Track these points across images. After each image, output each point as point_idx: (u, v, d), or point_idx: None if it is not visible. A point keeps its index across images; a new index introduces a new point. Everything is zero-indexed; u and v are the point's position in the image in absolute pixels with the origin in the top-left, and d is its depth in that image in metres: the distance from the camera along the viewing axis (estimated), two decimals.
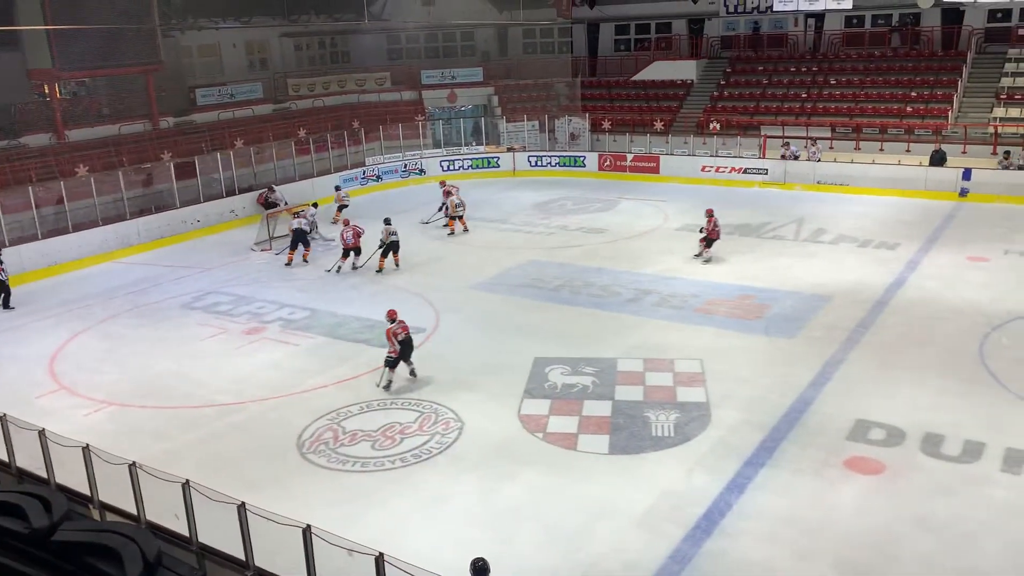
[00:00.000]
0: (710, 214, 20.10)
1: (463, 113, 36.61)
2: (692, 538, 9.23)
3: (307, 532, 7.03)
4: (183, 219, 24.60)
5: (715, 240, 19.93)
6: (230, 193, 26.30)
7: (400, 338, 13.28)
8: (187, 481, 7.89)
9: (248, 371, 14.46)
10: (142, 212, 24.21)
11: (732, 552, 8.99)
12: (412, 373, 13.60)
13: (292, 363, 14.72)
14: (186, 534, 8.01)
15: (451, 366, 14.24)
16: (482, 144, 33.72)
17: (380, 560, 6.62)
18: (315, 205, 23.83)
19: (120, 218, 23.44)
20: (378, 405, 12.82)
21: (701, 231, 20.04)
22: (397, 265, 20.26)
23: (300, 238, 21.22)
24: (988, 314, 15.49)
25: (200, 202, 25.42)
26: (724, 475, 10.46)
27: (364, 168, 30.61)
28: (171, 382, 14.14)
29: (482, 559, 7.00)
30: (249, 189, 26.71)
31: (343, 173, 29.64)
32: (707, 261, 19.77)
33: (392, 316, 13.48)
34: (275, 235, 22.96)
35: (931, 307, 16.01)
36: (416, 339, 15.39)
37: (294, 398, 13.28)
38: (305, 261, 21.31)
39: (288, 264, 20.98)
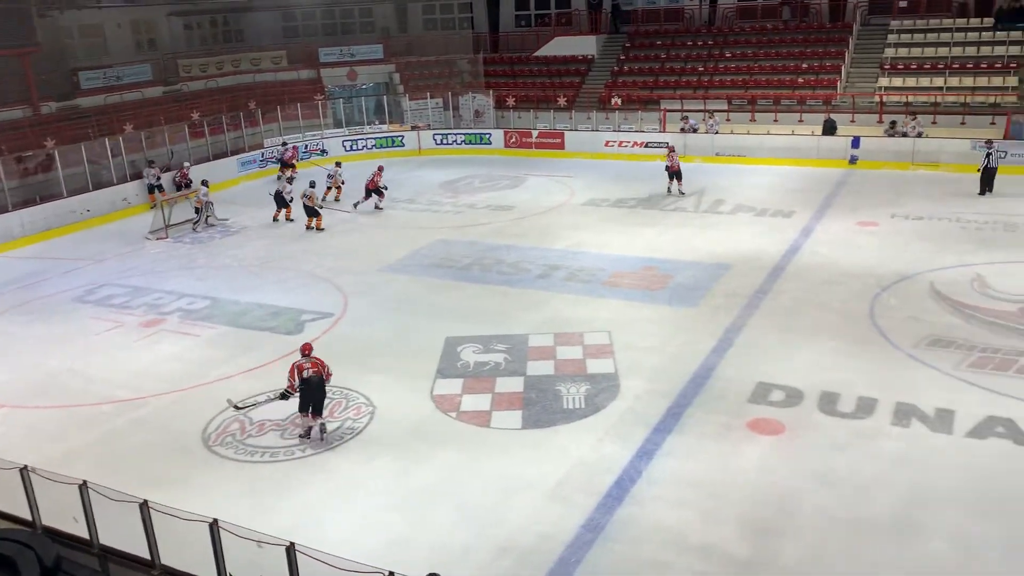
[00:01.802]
0: (670, 149, 24.08)
1: (364, 91, 36.01)
2: (604, 506, 9.42)
3: (214, 526, 6.87)
4: (71, 209, 23.43)
5: (676, 173, 23.46)
6: (121, 180, 25.20)
7: (305, 375, 10.99)
8: (84, 482, 7.59)
9: (147, 365, 13.95)
10: (25, 203, 22.96)
11: (643, 518, 9.22)
12: (321, 430, 11.16)
13: (194, 354, 14.27)
14: (86, 537, 7.71)
15: (361, 350, 14.08)
16: (385, 123, 33.28)
17: (291, 550, 6.52)
18: (204, 183, 23.15)
19: (1, 210, 22.17)
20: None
21: (667, 168, 23.60)
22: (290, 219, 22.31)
23: (280, 200, 22.64)
24: (877, 276, 16.26)
25: (89, 190, 24.26)
26: (633, 443, 10.70)
27: (263, 150, 29.77)
28: (66, 380, 13.52)
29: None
30: (138, 176, 25.62)
31: (240, 156, 28.80)
32: (676, 193, 23.54)
33: (305, 350, 11.24)
34: (171, 222, 22.16)
35: (825, 271, 16.70)
36: (324, 324, 15.22)
37: (197, 390, 12.89)
38: (289, 220, 22.65)
39: (275, 220, 22.69)
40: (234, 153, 28.91)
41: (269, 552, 6.76)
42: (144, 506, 7.19)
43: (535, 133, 31.33)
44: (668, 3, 37.06)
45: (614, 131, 30.38)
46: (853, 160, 26.28)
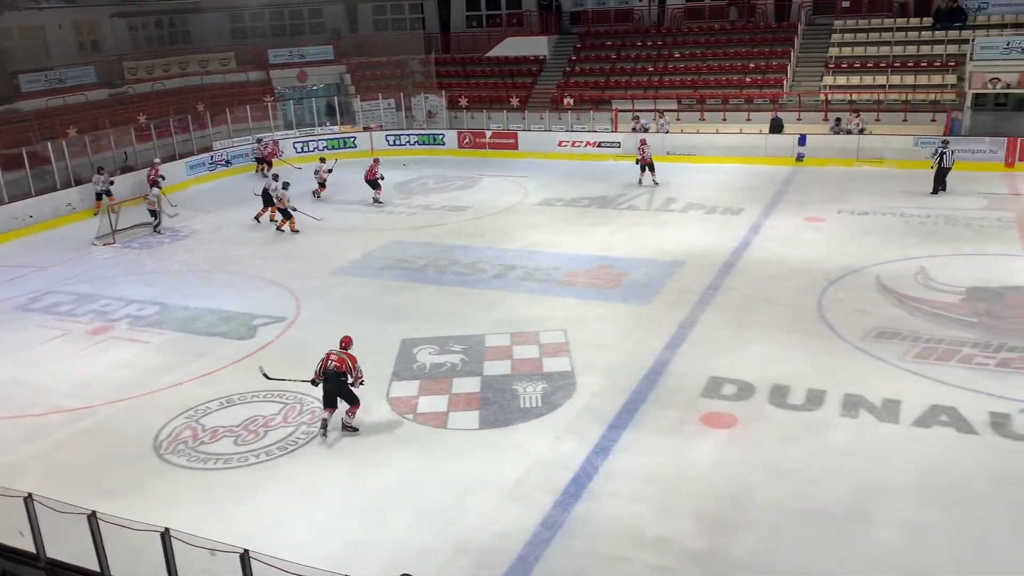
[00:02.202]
0: (642, 141, 25.22)
1: (315, 92, 35.71)
2: (562, 504, 9.47)
3: (166, 535, 6.75)
4: (12, 215, 22.79)
5: (648, 165, 24.64)
6: (65, 185, 24.57)
7: (327, 367, 11.11)
8: (30, 495, 7.39)
9: (95, 373, 13.65)
10: None
11: (600, 514, 9.30)
12: (322, 426, 11.17)
13: (143, 362, 14.00)
14: (33, 551, 7.52)
15: (316, 354, 13.82)
16: (337, 124, 33.00)
17: (245, 557, 6.44)
18: (156, 184, 22.75)
19: None
20: (239, 399, 12.40)
21: (637, 161, 24.84)
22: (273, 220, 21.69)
23: (267, 198, 22.30)
24: (825, 270, 16.60)
25: (32, 196, 23.61)
26: (590, 440, 10.78)
27: (212, 153, 29.32)
28: (10, 390, 13.16)
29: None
30: (85, 181, 25.06)
31: (189, 159, 28.32)
32: (646, 183, 24.70)
33: (342, 343, 11.43)
34: (118, 227, 21.70)
35: (774, 267, 17.00)
36: (276, 328, 15.06)
37: (147, 398, 12.65)
38: (273, 220, 22.27)
39: (257, 220, 22.35)
40: (183, 156, 28.40)
41: (223, 560, 6.67)
42: (92, 517, 7.04)
43: (488, 133, 31.34)
44: (618, 4, 37.36)
45: (567, 131, 30.54)
46: (800, 157, 26.79)
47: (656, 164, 25.72)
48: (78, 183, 24.82)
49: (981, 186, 22.64)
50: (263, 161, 28.16)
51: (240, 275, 18.35)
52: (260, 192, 22.54)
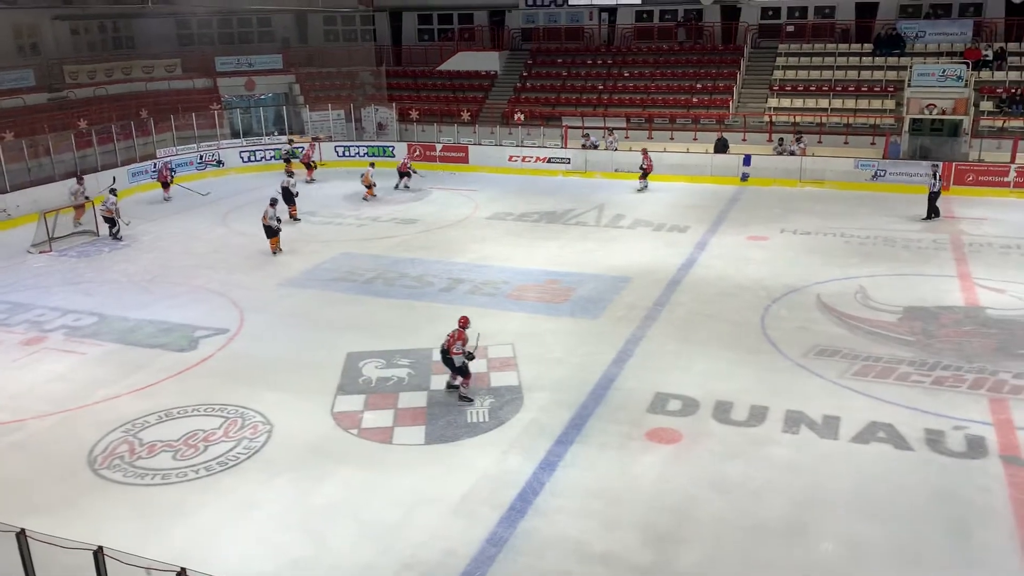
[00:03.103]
0: (644, 152, 26.48)
1: (263, 102, 35.31)
2: (507, 520, 9.44)
3: (99, 553, 6.54)
4: None
5: (649, 172, 26.13)
6: (0, 191, 23.81)
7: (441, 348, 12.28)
8: None
9: (28, 385, 13.19)
10: None
11: (545, 529, 9.28)
12: (450, 387, 12.57)
13: (79, 374, 13.58)
14: None
15: (258, 367, 13.71)
16: (285, 134, 32.63)
17: (182, 575, 6.27)
18: (113, 192, 22.20)
19: None
20: (178, 413, 12.10)
21: (640, 168, 26.26)
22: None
23: (287, 197, 22.91)
24: (768, 288, 16.92)
25: None
26: (536, 455, 10.78)
27: (155, 161, 28.68)
28: None
29: None
30: (23, 185, 24.31)
31: (131, 166, 27.73)
32: (642, 189, 26.19)
33: (460, 323, 12.45)
34: (55, 235, 21.10)
35: (718, 284, 17.26)
36: (219, 340, 14.77)
37: (83, 411, 12.26)
38: (294, 219, 23.02)
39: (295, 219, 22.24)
40: (125, 164, 27.76)
41: None
42: (21, 535, 6.79)
43: (439, 147, 31.32)
44: (568, 22, 37.75)
45: (517, 146, 30.69)
46: (744, 177, 27.32)
47: (604, 181, 26.13)
48: (13, 189, 24.07)
49: (917, 208, 23.34)
50: (289, 160, 28.81)
51: (182, 286, 17.96)
52: (283, 190, 23.31)
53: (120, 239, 21.65)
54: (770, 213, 23.26)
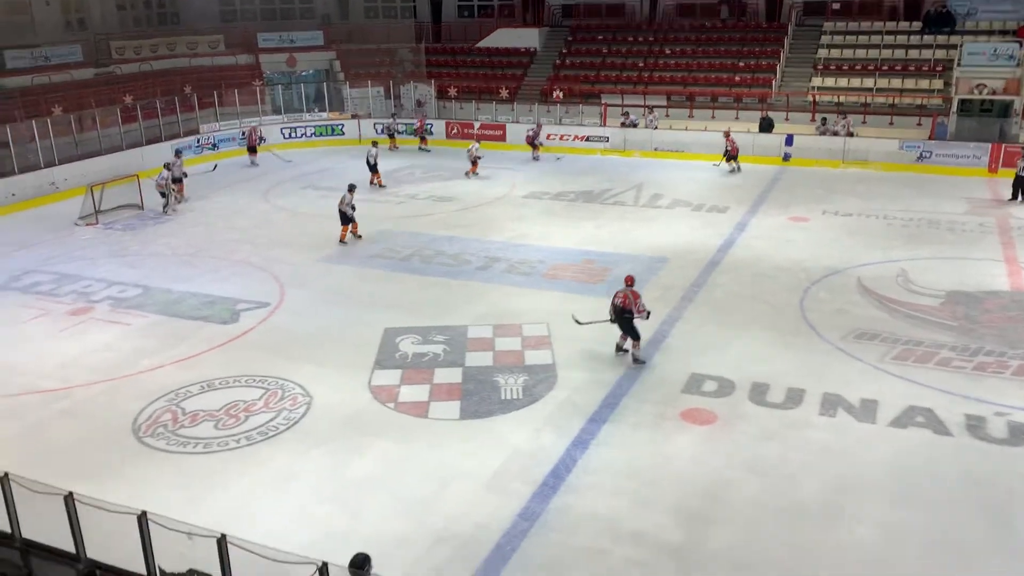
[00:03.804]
0: (727, 134, 25.64)
1: (304, 78, 35.51)
2: (540, 495, 9.52)
3: (143, 518, 6.72)
4: None
5: (736, 155, 25.33)
6: (49, 164, 24.36)
7: (615, 302, 12.58)
8: (6, 474, 7.34)
9: (75, 354, 13.56)
10: None
11: (577, 506, 9.34)
12: (634, 358, 12.73)
13: (124, 344, 13.92)
14: (8, 530, 7.47)
15: (298, 340, 13.92)
16: (325, 111, 32.84)
17: (222, 542, 6.43)
18: (167, 166, 22.52)
19: None
20: (220, 384, 12.36)
21: (725, 152, 25.54)
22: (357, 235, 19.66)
23: (372, 167, 24.15)
24: (808, 270, 16.71)
25: (15, 174, 23.39)
26: (570, 433, 10.82)
27: (199, 136, 29.12)
28: None
29: (361, 555, 6.58)
30: (71, 159, 24.82)
31: (176, 141, 28.08)
32: (733, 171, 25.44)
33: (627, 282, 12.78)
34: (101, 208, 21.53)
35: (758, 266, 17.09)
36: (260, 314, 15.01)
37: (128, 380, 12.58)
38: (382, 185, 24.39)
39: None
40: (169, 139, 28.19)
41: (200, 544, 6.65)
42: (69, 498, 7.00)
43: (477, 124, 31.29)
44: None
45: (556, 124, 30.52)
46: (787, 157, 26.92)
47: (643, 160, 25.83)
48: (62, 162, 24.60)
49: (964, 191, 22.84)
50: (393, 136, 30.27)
51: (224, 260, 18.26)
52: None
53: (167, 213, 21.97)
54: (812, 194, 22.92)
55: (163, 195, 22.09)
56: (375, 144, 25.88)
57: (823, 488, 9.60)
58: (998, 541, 8.70)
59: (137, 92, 30.30)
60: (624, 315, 12.51)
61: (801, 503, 9.34)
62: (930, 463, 10.05)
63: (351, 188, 19.49)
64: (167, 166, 22.51)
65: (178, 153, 24.11)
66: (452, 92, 33.54)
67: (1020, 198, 21.64)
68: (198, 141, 28.92)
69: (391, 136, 30.23)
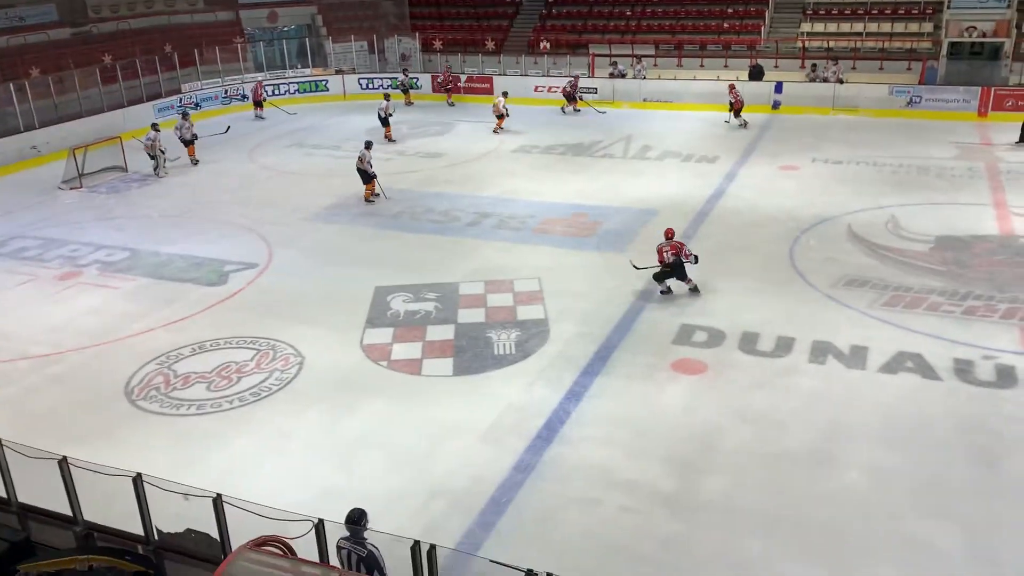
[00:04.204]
0: (731, 88, 24.53)
1: (286, 34, 34.90)
2: (534, 447, 9.60)
3: (138, 480, 6.76)
4: None
5: (740, 108, 24.30)
6: (29, 128, 23.97)
7: (665, 258, 13.13)
8: None
9: (64, 319, 13.50)
10: None
11: (571, 457, 9.43)
12: (692, 290, 13.36)
13: (113, 307, 13.86)
14: (3, 495, 7.51)
15: (288, 301, 13.88)
16: (308, 67, 32.34)
17: (218, 501, 6.47)
18: (154, 127, 22.16)
19: None
20: (211, 346, 12.34)
21: (730, 107, 24.41)
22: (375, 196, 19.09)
23: (383, 121, 23.69)
24: (798, 219, 16.70)
25: None
26: (563, 386, 10.88)
27: (181, 96, 28.66)
28: None
29: (357, 510, 6.59)
30: (51, 122, 24.43)
31: (157, 102, 27.68)
32: (742, 125, 24.30)
33: (668, 234, 13.32)
34: (85, 171, 21.27)
35: (747, 215, 17.06)
36: (248, 275, 14.95)
37: (118, 344, 12.55)
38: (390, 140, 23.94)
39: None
40: (151, 99, 27.75)
41: (196, 505, 6.70)
42: (63, 462, 7.02)
43: (463, 78, 30.89)
44: None
45: (543, 76, 30.16)
46: (776, 105, 26.72)
47: (632, 111, 25.61)
48: (43, 125, 24.22)
49: (953, 136, 22.76)
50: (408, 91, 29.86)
51: (211, 221, 18.11)
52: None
53: (159, 176, 21.67)
54: (801, 142, 22.80)
55: (152, 157, 21.76)
56: (387, 97, 25.46)
57: (812, 434, 9.70)
58: (984, 482, 8.83)
59: (116, 52, 29.72)
60: (680, 262, 13.09)
61: (790, 449, 9.45)
62: (919, 408, 10.16)
63: (368, 145, 19.19)
64: (154, 127, 22.18)
65: (185, 115, 23.29)
66: (437, 45, 33.06)
67: None
68: (180, 101, 28.46)
69: (405, 91, 29.60)
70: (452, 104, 29.72)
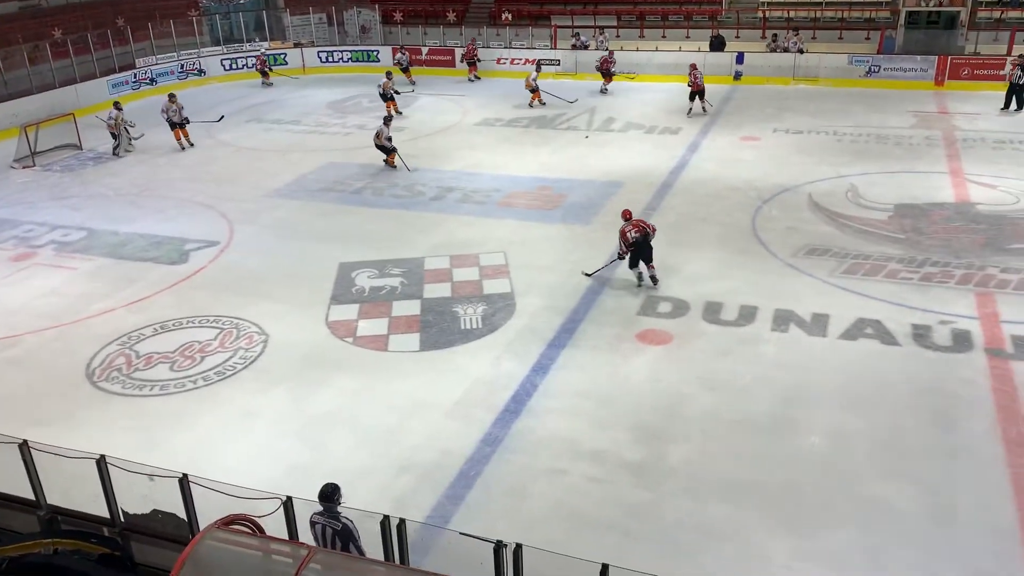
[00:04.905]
0: (692, 68, 23.00)
1: (242, 6, 34.11)
2: (502, 420, 9.65)
3: (102, 462, 6.68)
4: None
5: (699, 92, 22.43)
6: None
7: (631, 238, 12.52)
8: None
9: (20, 301, 13.22)
10: None
11: (538, 429, 9.50)
12: (653, 280, 12.69)
13: (72, 288, 13.60)
14: None
15: (250, 278, 13.72)
16: (266, 40, 31.74)
17: (184, 481, 6.43)
18: (116, 106, 21.57)
19: None
20: (173, 325, 12.17)
21: (690, 86, 22.54)
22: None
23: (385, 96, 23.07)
24: (759, 189, 16.85)
25: None
26: (529, 359, 10.93)
27: (135, 71, 28.00)
28: None
29: (330, 485, 6.55)
30: (1, 99, 23.75)
31: (111, 77, 27.02)
32: (705, 109, 22.71)
33: (626, 215, 12.85)
34: (37, 149, 20.74)
35: (710, 186, 17.17)
36: (210, 253, 14.74)
37: (77, 325, 12.33)
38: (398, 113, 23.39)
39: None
40: (104, 74, 27.07)
41: (162, 485, 6.65)
42: (24, 446, 6.91)
43: (425, 50, 30.55)
44: None
45: (505, 47, 29.94)
46: (737, 76, 26.83)
47: (596, 83, 25.49)
48: None
49: (911, 104, 23.06)
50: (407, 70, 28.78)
51: (170, 199, 17.79)
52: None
53: (118, 155, 21.13)
54: (762, 113, 22.95)
55: (114, 136, 21.20)
56: (389, 75, 24.83)
57: (775, 400, 9.87)
58: (940, 442, 9.07)
59: (66, 26, 28.89)
60: (648, 239, 12.61)
61: (753, 415, 9.60)
62: (878, 373, 10.37)
63: (387, 121, 19.75)
64: (116, 105, 21.60)
65: (172, 97, 21.64)
66: (397, 17, 32.61)
67: (1014, 107, 21.85)
68: (135, 76, 27.83)
69: (405, 70, 28.57)
70: (475, 79, 28.68)
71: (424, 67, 30.10)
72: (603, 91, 26.03)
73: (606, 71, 26.20)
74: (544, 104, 24.42)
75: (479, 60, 29.12)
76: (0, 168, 20.37)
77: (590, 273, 13.18)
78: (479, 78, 28.71)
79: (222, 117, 20.80)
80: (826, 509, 8.13)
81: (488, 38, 30.49)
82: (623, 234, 12.66)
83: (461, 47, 30.16)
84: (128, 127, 21.26)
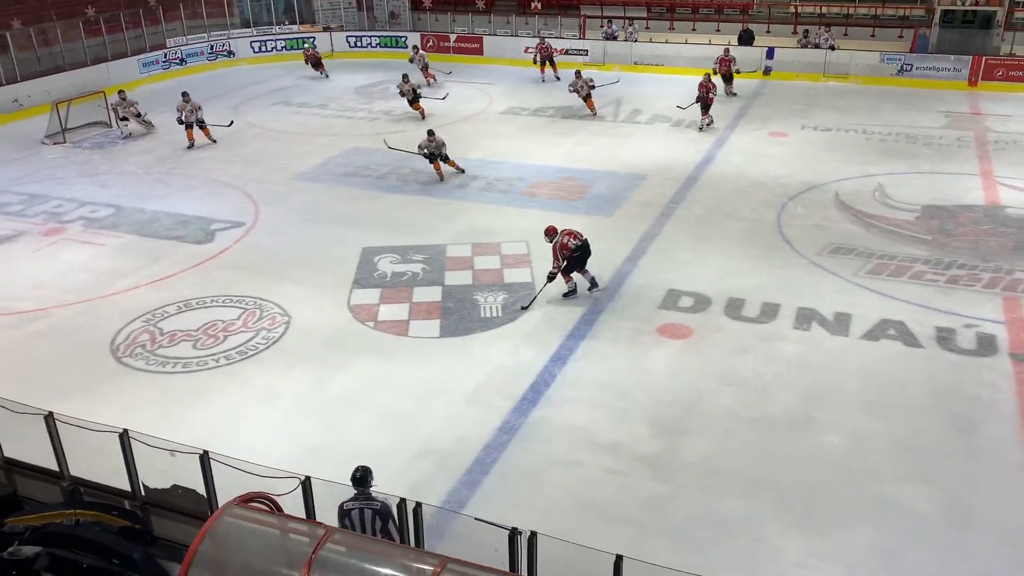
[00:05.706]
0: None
1: None
2: (520, 409, 9.68)
3: (124, 436, 6.78)
4: None
5: (708, 103, 20.80)
6: (11, 81, 23.56)
7: (573, 245, 11.89)
8: None
9: (49, 275, 13.41)
10: None
11: (556, 419, 9.52)
12: (592, 282, 12.26)
13: (99, 264, 13.77)
14: None
15: (274, 260, 13.83)
16: (296, 23, 31.83)
17: (204, 458, 6.51)
18: (120, 95, 21.72)
19: None
20: (197, 304, 12.31)
21: (697, 100, 20.98)
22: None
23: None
24: (786, 185, 16.71)
25: None
26: (548, 349, 10.94)
27: (166, 51, 28.20)
28: None
29: (362, 467, 6.60)
30: (34, 75, 24.02)
31: (142, 56, 27.22)
32: (705, 127, 20.82)
33: (550, 232, 12.05)
34: (68, 126, 20.96)
35: (736, 182, 17.05)
36: (235, 233, 14.87)
37: (104, 301, 12.50)
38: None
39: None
40: (135, 54, 27.29)
41: (182, 461, 6.74)
42: (49, 417, 7.04)
43: (453, 37, 30.51)
44: None
45: (534, 36, 29.82)
46: (767, 71, 26.57)
47: (623, 74, 25.34)
48: (24, 79, 23.80)
49: (943, 104, 22.75)
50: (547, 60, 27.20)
51: (197, 179, 17.95)
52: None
53: (123, 136, 21.17)
54: (791, 108, 22.74)
55: (123, 119, 21.20)
56: (405, 78, 22.72)
57: (794, 399, 9.82)
58: (962, 446, 8.99)
59: (99, 5, 29.07)
60: (587, 245, 12.06)
61: (772, 414, 9.57)
62: (900, 374, 10.29)
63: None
64: (120, 94, 21.64)
65: (186, 96, 20.20)
66: (427, 3, 32.57)
67: None
68: (164, 56, 28.04)
69: (424, 69, 26.98)
70: (557, 79, 26.23)
71: (452, 55, 30.08)
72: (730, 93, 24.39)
73: (727, 76, 24.52)
74: (595, 114, 22.61)
75: (555, 52, 27.09)
76: (31, 144, 20.61)
77: (526, 306, 12.03)
78: (559, 79, 26.46)
79: (231, 123, 20.64)
80: (841, 508, 8.09)
81: (517, 26, 30.37)
82: (562, 247, 11.84)
83: (490, 34, 30.07)
84: (137, 112, 21.21)
